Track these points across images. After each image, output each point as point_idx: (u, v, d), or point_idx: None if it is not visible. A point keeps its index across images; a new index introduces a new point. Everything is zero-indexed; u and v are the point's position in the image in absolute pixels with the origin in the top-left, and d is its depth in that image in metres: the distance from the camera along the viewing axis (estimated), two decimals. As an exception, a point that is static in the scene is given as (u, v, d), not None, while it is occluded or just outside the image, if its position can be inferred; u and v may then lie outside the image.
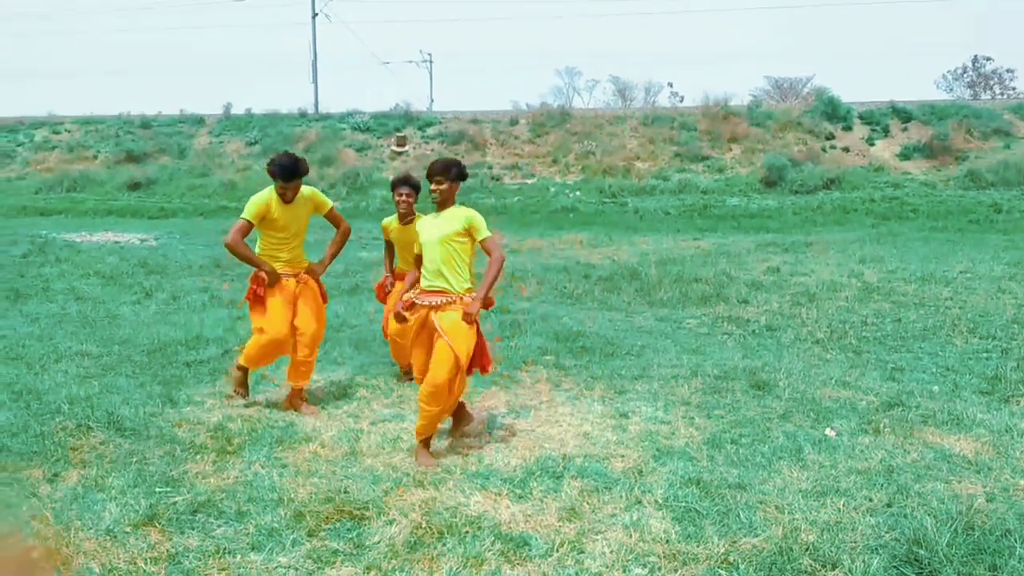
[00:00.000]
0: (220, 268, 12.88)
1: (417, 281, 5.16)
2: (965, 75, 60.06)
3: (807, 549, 3.74)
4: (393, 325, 6.07)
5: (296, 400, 5.99)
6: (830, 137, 28.64)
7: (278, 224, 5.79)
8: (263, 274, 5.78)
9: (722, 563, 3.67)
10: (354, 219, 21.42)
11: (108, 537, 3.90)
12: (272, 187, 5.76)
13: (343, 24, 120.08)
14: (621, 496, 4.35)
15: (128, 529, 3.98)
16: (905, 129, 28.73)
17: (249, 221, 5.67)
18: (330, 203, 6.12)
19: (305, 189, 5.90)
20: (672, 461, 4.83)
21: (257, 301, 5.84)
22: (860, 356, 7.36)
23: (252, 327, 5.96)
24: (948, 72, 63.61)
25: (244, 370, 6.14)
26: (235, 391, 6.16)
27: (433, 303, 4.96)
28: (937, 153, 26.95)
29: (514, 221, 20.77)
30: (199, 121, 33.89)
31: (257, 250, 5.86)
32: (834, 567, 3.61)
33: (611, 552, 3.76)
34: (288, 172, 5.64)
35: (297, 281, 5.93)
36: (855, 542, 3.81)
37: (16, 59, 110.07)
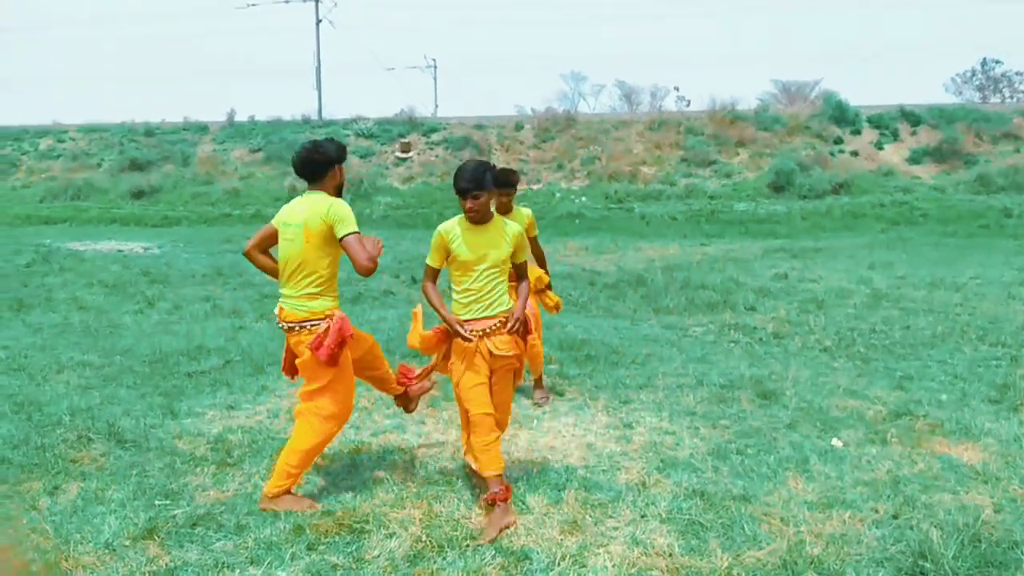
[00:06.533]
0: (223, 277, 12.86)
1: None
2: (974, 78, 59.95)
3: (812, 562, 3.69)
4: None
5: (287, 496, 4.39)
6: (838, 141, 28.50)
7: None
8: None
9: (726, 577, 3.62)
10: (359, 226, 21.32)
11: (107, 551, 3.88)
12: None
13: (347, 30, 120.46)
14: (624, 509, 4.30)
15: (127, 543, 3.96)
16: (914, 133, 28.58)
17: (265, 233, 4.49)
18: (351, 227, 4.24)
19: (334, 201, 4.33)
20: (676, 473, 4.78)
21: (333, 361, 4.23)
22: (868, 364, 7.29)
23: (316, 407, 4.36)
24: (957, 75, 63.66)
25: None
26: (304, 509, 4.30)
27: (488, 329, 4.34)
28: (947, 157, 26.79)
29: (520, 227, 20.69)
30: (203, 129, 33.95)
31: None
32: (840, 582, 3.56)
33: (613, 566, 3.71)
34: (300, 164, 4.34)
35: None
36: (860, 555, 3.76)
37: (20, 67, 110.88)
